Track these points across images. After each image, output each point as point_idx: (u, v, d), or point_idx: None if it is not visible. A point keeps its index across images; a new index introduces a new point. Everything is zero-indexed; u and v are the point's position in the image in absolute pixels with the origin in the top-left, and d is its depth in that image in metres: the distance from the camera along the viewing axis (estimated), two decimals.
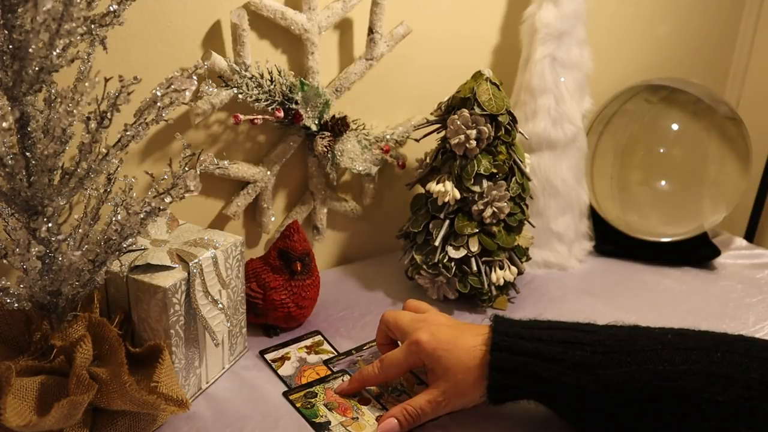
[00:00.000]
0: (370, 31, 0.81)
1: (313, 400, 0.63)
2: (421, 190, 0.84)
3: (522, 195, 0.81)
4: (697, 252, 0.98)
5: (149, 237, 0.63)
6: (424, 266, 0.80)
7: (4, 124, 0.43)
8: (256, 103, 0.74)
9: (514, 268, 0.81)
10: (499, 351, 0.57)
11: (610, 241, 1.00)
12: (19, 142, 0.48)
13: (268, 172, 0.81)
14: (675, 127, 0.97)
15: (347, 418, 0.61)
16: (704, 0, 1.15)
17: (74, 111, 0.48)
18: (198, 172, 0.53)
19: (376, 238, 0.97)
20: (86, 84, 0.48)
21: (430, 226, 0.80)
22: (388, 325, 0.66)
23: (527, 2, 0.88)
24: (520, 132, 0.83)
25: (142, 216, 0.52)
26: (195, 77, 0.51)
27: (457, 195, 0.77)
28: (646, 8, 1.09)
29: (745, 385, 0.51)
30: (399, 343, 0.67)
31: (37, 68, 0.45)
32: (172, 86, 0.50)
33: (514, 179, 0.79)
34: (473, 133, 0.75)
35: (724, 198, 0.96)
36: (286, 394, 0.64)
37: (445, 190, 0.77)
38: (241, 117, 0.74)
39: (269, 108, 0.76)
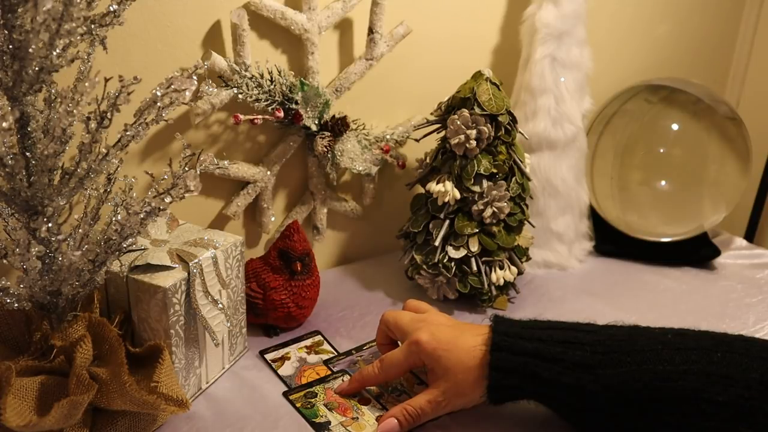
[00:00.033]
0: (370, 31, 0.81)
1: (313, 400, 0.63)
2: (421, 190, 0.84)
3: (522, 195, 0.81)
4: (697, 252, 0.98)
5: (149, 237, 0.63)
6: (424, 266, 0.80)
7: (4, 124, 0.43)
8: (256, 103, 0.74)
9: (514, 268, 0.81)
10: (499, 351, 0.57)
11: (610, 241, 1.00)
12: (19, 142, 0.48)
13: (268, 172, 0.81)
14: (675, 127, 0.97)
15: (347, 418, 0.61)
16: (704, 0, 1.15)
17: (74, 111, 0.48)
18: (198, 172, 0.53)
19: (376, 238, 0.97)
20: (86, 84, 0.48)
21: (430, 226, 0.80)
22: (388, 325, 0.66)
23: (527, 2, 0.88)
24: (520, 132, 0.83)
25: (142, 216, 0.52)
26: (195, 77, 0.51)
27: (457, 195, 0.77)
28: (646, 8, 1.09)
29: (745, 385, 0.51)
30: (399, 343, 0.67)
31: (37, 68, 0.45)
32: (172, 86, 0.50)
33: (514, 179, 0.79)
34: (473, 133, 0.75)
35: (724, 198, 0.96)
36: (286, 394, 0.64)
37: (445, 190, 0.77)
38: (241, 117, 0.74)
39: (269, 108, 0.76)
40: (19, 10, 0.43)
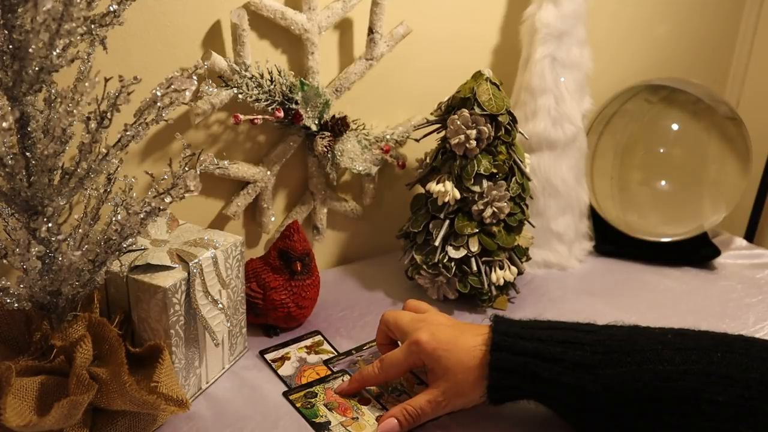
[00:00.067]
0: (370, 31, 0.81)
1: (313, 400, 0.63)
2: (421, 190, 0.84)
3: (522, 195, 0.81)
4: (697, 252, 0.98)
5: (149, 237, 0.63)
6: (424, 266, 0.80)
7: (4, 124, 0.43)
8: (256, 103, 0.74)
9: (514, 268, 0.81)
10: (499, 351, 0.57)
11: (610, 241, 1.00)
12: (19, 142, 0.48)
13: (268, 172, 0.81)
14: (675, 127, 0.97)
15: (347, 418, 0.61)
16: (704, 0, 1.15)
17: (74, 111, 0.48)
18: (198, 172, 0.53)
19: (376, 238, 0.97)
20: (86, 84, 0.48)
21: (430, 226, 0.80)
22: (388, 325, 0.66)
23: (527, 2, 0.88)
24: (520, 132, 0.83)
25: (142, 216, 0.52)
26: (195, 77, 0.51)
27: (457, 195, 0.77)
28: (646, 8, 1.09)
29: (745, 385, 0.51)
30: (399, 343, 0.67)
31: (37, 68, 0.45)
32: (172, 86, 0.50)
33: (514, 179, 0.79)
34: (473, 133, 0.75)
35: (724, 198, 0.96)
36: (286, 394, 0.64)
37: (445, 190, 0.77)
38: (241, 117, 0.74)
39: (269, 108, 0.76)
40: (19, 10, 0.43)
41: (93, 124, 0.50)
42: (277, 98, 0.76)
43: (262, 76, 0.75)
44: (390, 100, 0.90)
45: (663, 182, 0.96)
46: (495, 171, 0.78)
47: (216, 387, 0.65)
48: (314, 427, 0.60)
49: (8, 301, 0.51)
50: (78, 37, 0.47)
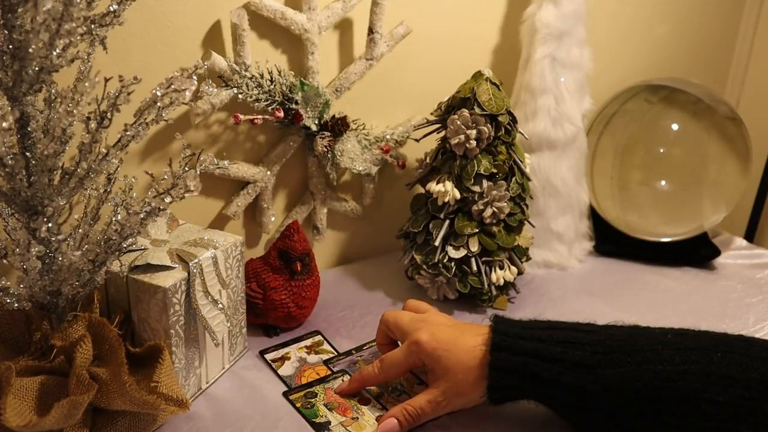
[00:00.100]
0: (370, 31, 0.81)
1: (313, 400, 0.63)
2: (421, 190, 0.84)
3: (522, 195, 0.81)
4: (697, 252, 0.98)
5: (149, 237, 0.63)
6: (424, 266, 0.80)
7: (4, 124, 0.43)
8: (256, 103, 0.74)
9: (514, 268, 0.81)
10: (499, 351, 0.57)
11: (610, 241, 1.00)
12: (19, 142, 0.48)
13: (268, 172, 0.81)
14: (675, 127, 0.97)
15: (347, 418, 0.61)
16: (704, 0, 1.15)
17: (74, 111, 0.48)
18: (198, 172, 0.53)
19: (376, 238, 0.97)
20: (86, 84, 0.48)
21: (430, 226, 0.80)
22: (388, 325, 0.66)
23: (527, 2, 0.88)
24: (520, 132, 0.83)
25: (142, 216, 0.52)
26: (195, 77, 0.51)
27: (457, 195, 0.77)
28: (646, 8, 1.09)
29: (745, 385, 0.51)
30: (399, 343, 0.67)
31: (37, 68, 0.45)
32: (172, 86, 0.50)
33: (514, 179, 0.79)
34: (473, 133, 0.75)
35: (724, 198, 0.96)
36: (286, 394, 0.64)
37: (445, 190, 0.77)
38: (241, 117, 0.74)
39: (269, 108, 0.76)
40: (19, 10, 0.43)
41: (93, 124, 0.50)
42: (277, 98, 0.76)
43: (262, 76, 0.75)
44: (390, 100, 0.90)
45: (663, 182, 0.96)
46: (495, 171, 0.78)
47: (216, 387, 0.65)
48: (314, 427, 0.60)
49: (8, 301, 0.51)
50: (78, 37, 0.47)
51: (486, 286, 0.79)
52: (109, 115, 0.50)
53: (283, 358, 0.70)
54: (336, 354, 0.72)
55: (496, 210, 0.77)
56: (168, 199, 0.53)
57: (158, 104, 0.51)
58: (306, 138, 0.82)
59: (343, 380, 0.66)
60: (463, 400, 0.59)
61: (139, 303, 0.58)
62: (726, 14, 1.20)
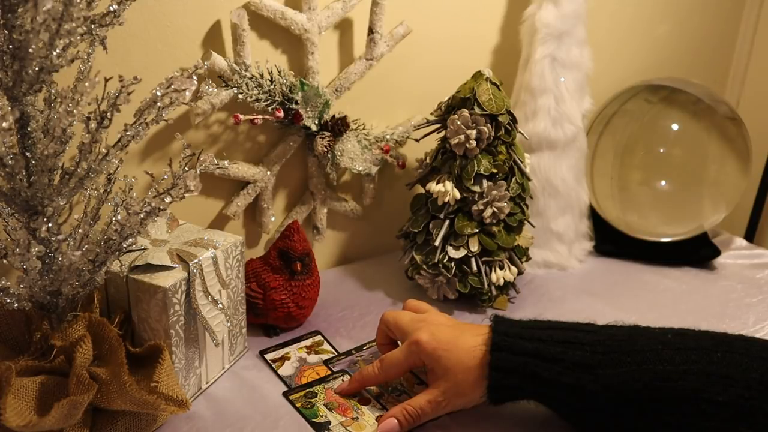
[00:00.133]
0: (370, 31, 0.81)
1: (313, 400, 0.63)
2: (421, 190, 0.84)
3: (522, 195, 0.81)
4: (697, 252, 0.98)
5: (149, 237, 0.63)
6: (424, 266, 0.80)
7: (4, 124, 0.43)
8: (256, 103, 0.74)
9: (514, 268, 0.81)
10: (499, 351, 0.57)
11: (610, 241, 1.00)
12: (19, 142, 0.48)
13: (268, 172, 0.81)
14: (675, 127, 0.97)
15: (347, 418, 0.61)
16: (704, 0, 1.15)
17: (74, 111, 0.48)
18: (198, 172, 0.53)
19: (376, 238, 0.97)
20: (86, 84, 0.48)
21: (430, 226, 0.80)
22: (388, 325, 0.66)
23: (527, 2, 0.88)
24: (520, 132, 0.83)
25: (142, 216, 0.52)
26: (195, 77, 0.51)
27: (457, 195, 0.77)
28: (646, 8, 1.09)
29: (745, 385, 0.51)
30: (399, 343, 0.67)
31: (37, 68, 0.45)
32: (172, 86, 0.50)
33: (514, 179, 0.79)
34: (473, 133, 0.75)
35: (724, 198, 0.96)
36: (286, 394, 0.64)
37: (445, 190, 0.77)
38: (241, 117, 0.74)
39: (269, 108, 0.76)
40: (19, 10, 0.43)
41: (93, 124, 0.50)
42: (277, 98, 0.76)
43: (262, 76, 0.75)
44: (390, 100, 0.90)
45: (663, 182, 0.96)
46: (495, 171, 0.78)
47: (216, 387, 0.65)
48: (314, 427, 0.60)
49: (8, 301, 0.51)
50: (78, 37, 0.47)
51: (486, 286, 0.79)
52: (109, 115, 0.50)
53: (283, 358, 0.70)
54: (336, 354, 0.72)
55: (496, 210, 0.77)
56: (168, 199, 0.53)
57: (158, 104, 0.51)
58: (306, 138, 0.82)
59: (343, 380, 0.66)
60: (463, 400, 0.59)
61: (139, 303, 0.58)
62: (726, 14, 1.20)
